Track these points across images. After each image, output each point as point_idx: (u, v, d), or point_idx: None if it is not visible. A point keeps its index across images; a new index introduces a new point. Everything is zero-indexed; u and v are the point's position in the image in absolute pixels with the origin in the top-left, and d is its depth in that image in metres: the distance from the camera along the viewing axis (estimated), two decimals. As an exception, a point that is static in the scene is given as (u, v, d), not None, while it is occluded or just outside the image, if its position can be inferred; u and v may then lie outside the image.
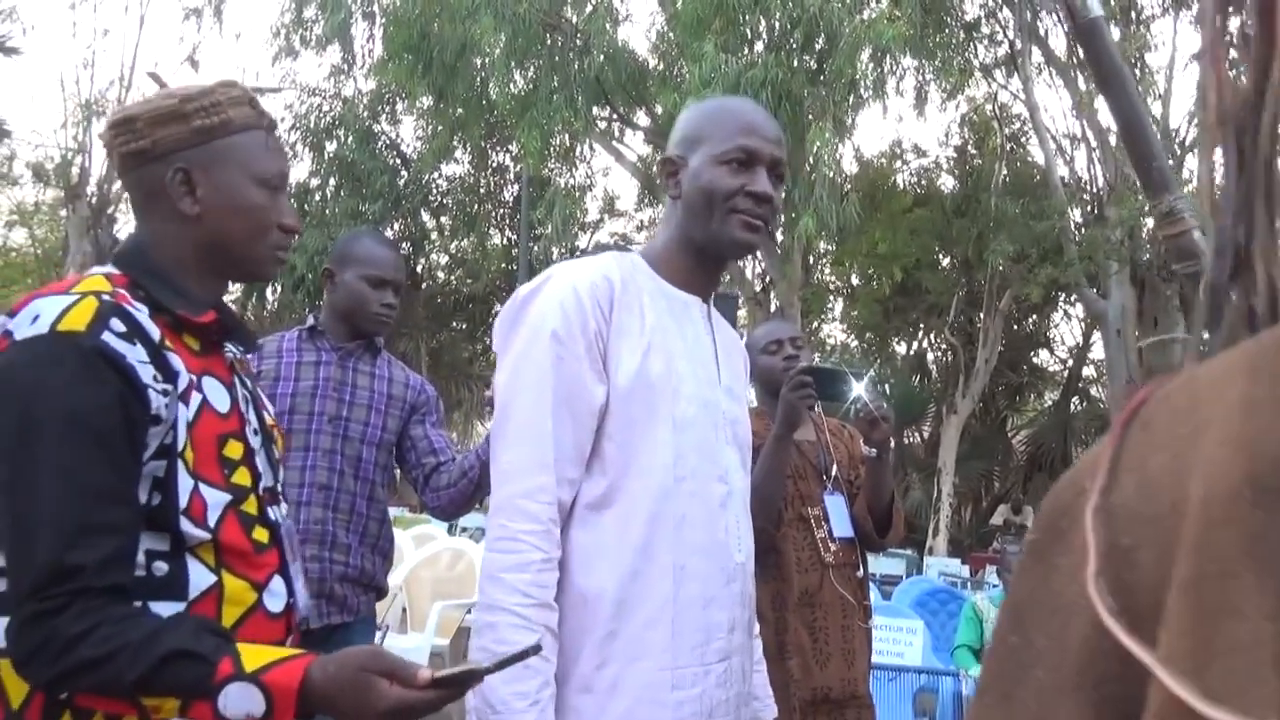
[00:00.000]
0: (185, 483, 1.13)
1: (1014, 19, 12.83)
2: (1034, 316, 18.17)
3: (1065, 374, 18.91)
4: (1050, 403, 19.52)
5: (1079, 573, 0.35)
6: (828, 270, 18.16)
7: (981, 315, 15.04)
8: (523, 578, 1.29)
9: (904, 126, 43.93)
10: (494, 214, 18.64)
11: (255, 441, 1.27)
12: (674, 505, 1.37)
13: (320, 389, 2.32)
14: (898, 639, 4.49)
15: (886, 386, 15.34)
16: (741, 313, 13.15)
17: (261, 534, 1.22)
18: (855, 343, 19.36)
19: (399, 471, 2.51)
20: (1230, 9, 0.41)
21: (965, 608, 4.47)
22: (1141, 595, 0.32)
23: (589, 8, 12.18)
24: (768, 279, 14.50)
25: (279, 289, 15.80)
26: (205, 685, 1.02)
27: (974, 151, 16.58)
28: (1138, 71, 12.65)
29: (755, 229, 1.45)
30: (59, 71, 25.45)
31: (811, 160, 10.36)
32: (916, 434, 17.82)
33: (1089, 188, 13.35)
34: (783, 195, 1.64)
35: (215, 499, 1.16)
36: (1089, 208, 13.25)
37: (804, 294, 14.38)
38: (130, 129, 1.21)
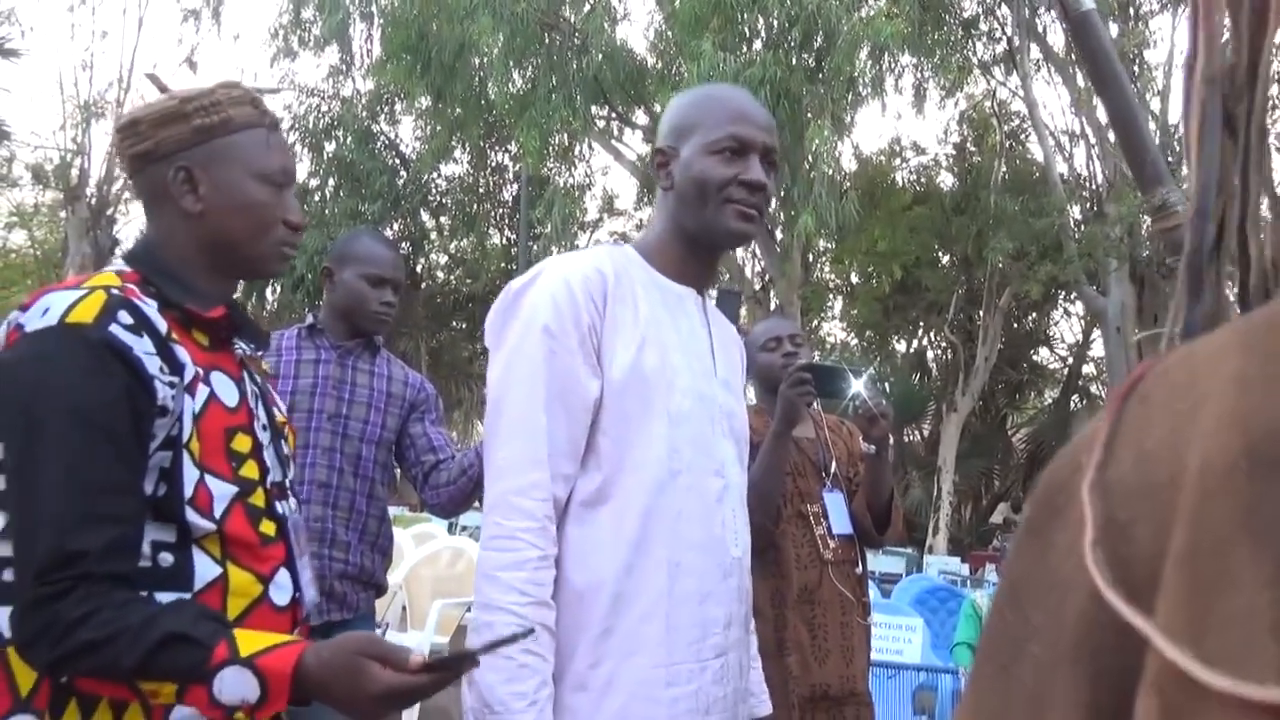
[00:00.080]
0: (191, 473, 1.14)
1: (1012, 15, 12.85)
2: (1034, 314, 18.17)
3: (1065, 371, 18.93)
4: (1050, 400, 19.56)
5: (1076, 547, 0.35)
6: (827, 268, 18.15)
7: (981, 313, 15.04)
8: (519, 576, 1.27)
9: (903, 124, 44.07)
10: (493, 213, 18.65)
11: (264, 436, 1.28)
12: (670, 500, 1.35)
13: (320, 387, 2.32)
14: (897, 637, 4.49)
15: (886, 384, 15.31)
16: (742, 310, 13.15)
17: (268, 527, 1.23)
18: (855, 341, 19.36)
19: (399, 470, 2.51)
20: None
21: (965, 605, 4.47)
22: (1138, 568, 0.32)
23: (587, 7, 12.20)
24: (767, 277, 14.52)
25: (279, 289, 15.80)
26: (200, 670, 1.02)
27: (973, 149, 16.60)
28: (1136, 68, 12.66)
29: (750, 218, 1.44)
30: (58, 73, 25.45)
31: (810, 158, 10.37)
32: (916, 432, 17.83)
33: (1088, 184, 13.38)
34: (776, 183, 1.64)
35: (221, 491, 1.17)
36: (1088, 205, 13.28)
37: (803, 292, 14.39)
38: (135, 132, 1.24)
